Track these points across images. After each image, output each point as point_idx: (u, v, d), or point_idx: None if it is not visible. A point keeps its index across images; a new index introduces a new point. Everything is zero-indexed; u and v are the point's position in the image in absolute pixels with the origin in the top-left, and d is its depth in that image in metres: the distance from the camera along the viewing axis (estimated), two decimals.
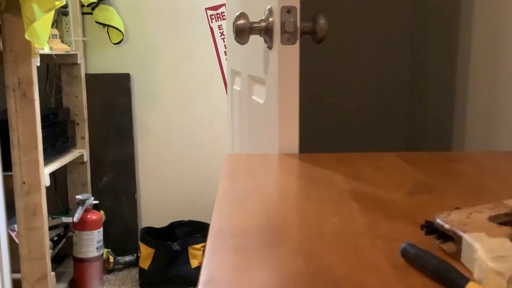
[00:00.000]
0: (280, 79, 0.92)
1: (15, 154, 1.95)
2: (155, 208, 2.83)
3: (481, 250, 0.41)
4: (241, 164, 0.85)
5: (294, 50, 0.92)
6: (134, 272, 2.70)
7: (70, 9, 2.58)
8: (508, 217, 0.49)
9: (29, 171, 1.97)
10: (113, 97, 2.74)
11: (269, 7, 0.95)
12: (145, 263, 2.50)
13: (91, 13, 2.63)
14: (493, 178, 0.74)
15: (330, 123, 1.91)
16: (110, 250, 2.72)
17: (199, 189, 2.80)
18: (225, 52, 2.65)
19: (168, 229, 2.71)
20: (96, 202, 2.53)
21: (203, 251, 2.48)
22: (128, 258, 2.76)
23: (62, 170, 2.61)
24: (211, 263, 0.46)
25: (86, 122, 2.69)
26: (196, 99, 2.75)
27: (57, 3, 1.85)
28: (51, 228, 2.37)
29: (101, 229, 2.52)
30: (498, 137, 1.24)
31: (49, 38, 2.20)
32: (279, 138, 0.93)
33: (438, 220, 0.48)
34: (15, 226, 2.06)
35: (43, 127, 2.04)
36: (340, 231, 0.53)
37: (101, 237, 2.52)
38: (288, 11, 0.90)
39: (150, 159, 2.81)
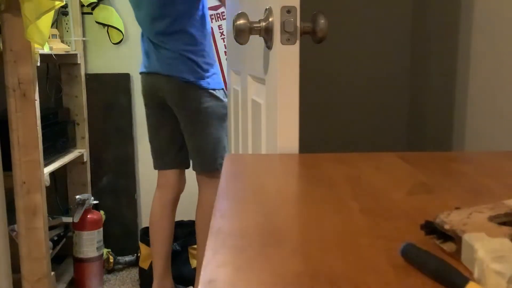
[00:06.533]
0: (280, 79, 0.92)
1: (15, 154, 1.95)
2: None
3: (481, 250, 0.41)
4: (241, 164, 0.85)
5: (294, 50, 0.92)
6: (134, 272, 2.70)
7: (70, 9, 2.58)
8: (508, 217, 0.49)
9: (29, 171, 1.96)
10: (113, 97, 2.74)
11: (269, 7, 0.95)
12: (145, 263, 2.50)
13: (91, 13, 2.63)
14: (493, 178, 0.74)
15: (330, 123, 1.91)
16: (110, 250, 2.72)
17: None
18: (225, 52, 2.64)
19: None
20: (96, 202, 2.53)
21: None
22: (128, 258, 2.76)
23: (62, 170, 2.61)
24: (211, 263, 0.46)
25: (86, 122, 2.69)
26: None
27: (57, 3, 1.85)
28: (51, 228, 2.37)
29: (101, 229, 2.52)
30: (498, 137, 1.24)
31: (49, 38, 2.20)
32: (279, 138, 0.93)
33: (438, 220, 0.48)
34: (15, 226, 2.06)
35: (43, 127, 2.04)
36: (340, 231, 0.53)
37: (101, 237, 2.52)
38: (288, 11, 0.90)
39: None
